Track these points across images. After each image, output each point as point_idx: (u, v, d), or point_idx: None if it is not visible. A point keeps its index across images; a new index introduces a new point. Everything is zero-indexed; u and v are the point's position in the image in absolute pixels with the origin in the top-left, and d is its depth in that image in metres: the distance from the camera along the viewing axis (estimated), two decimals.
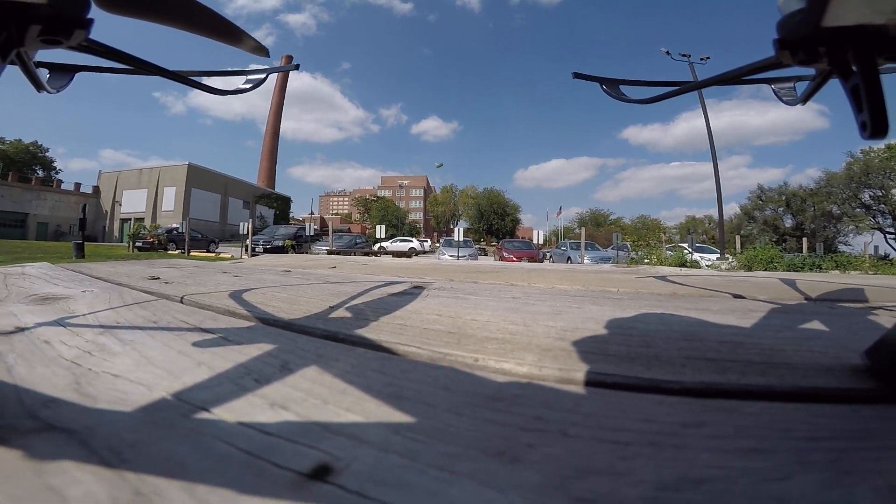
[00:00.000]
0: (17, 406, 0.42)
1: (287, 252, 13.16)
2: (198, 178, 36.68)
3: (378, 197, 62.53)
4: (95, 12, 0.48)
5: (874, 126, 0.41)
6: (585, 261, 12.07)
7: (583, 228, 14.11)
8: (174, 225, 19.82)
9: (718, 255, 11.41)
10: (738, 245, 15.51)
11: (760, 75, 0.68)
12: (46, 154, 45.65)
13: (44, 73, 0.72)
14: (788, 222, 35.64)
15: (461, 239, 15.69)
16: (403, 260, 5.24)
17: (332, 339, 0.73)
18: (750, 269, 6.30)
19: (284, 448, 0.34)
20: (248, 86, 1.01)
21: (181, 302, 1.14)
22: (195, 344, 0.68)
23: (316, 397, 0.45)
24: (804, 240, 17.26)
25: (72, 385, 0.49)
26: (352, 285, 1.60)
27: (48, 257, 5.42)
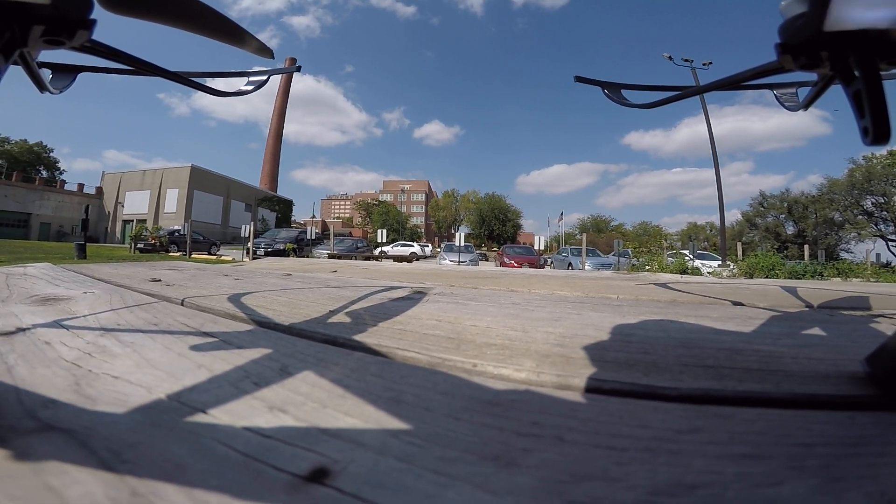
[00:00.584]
0: (17, 406, 0.42)
1: (288, 255, 13.18)
2: (200, 180, 36.81)
3: (380, 201, 62.64)
4: (98, 13, 0.48)
5: (876, 132, 0.40)
6: (587, 267, 12.06)
7: (584, 234, 14.10)
8: (176, 227, 19.87)
9: (720, 262, 11.40)
10: (739, 252, 15.49)
11: (762, 80, 0.67)
12: (51, 154, 45.92)
13: (46, 74, 0.72)
14: (790, 229, 35.60)
15: (462, 244, 15.69)
16: (404, 265, 5.24)
17: (331, 343, 0.73)
18: (751, 277, 6.29)
19: (282, 451, 0.34)
20: (249, 87, 1.01)
21: (182, 304, 1.14)
22: (195, 347, 0.68)
23: (314, 401, 0.46)
24: (806, 247, 17.23)
25: (72, 386, 0.49)
26: (352, 290, 1.61)
27: (50, 258, 5.43)
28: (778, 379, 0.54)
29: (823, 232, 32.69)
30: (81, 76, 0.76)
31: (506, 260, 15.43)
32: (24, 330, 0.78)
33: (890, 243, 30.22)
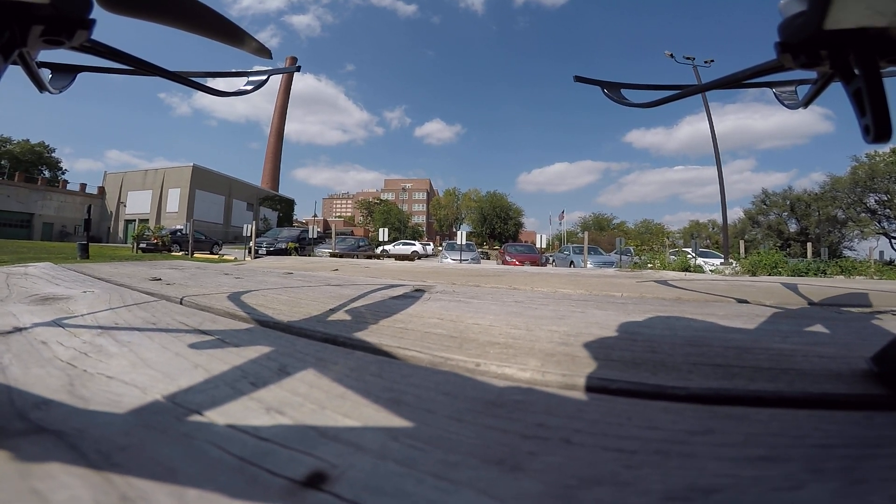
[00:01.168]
0: (8, 407, 0.41)
1: (290, 254, 13.19)
2: (202, 179, 36.84)
3: (381, 200, 62.56)
4: (97, 13, 0.48)
5: (877, 130, 0.40)
6: (589, 265, 12.02)
7: (586, 233, 14.04)
8: (178, 226, 19.89)
9: (722, 260, 11.36)
10: (742, 250, 15.43)
11: (762, 79, 0.67)
12: (53, 154, 46.02)
13: (46, 74, 0.72)
14: (793, 227, 35.48)
15: (464, 242, 15.67)
16: (406, 263, 5.23)
17: (331, 342, 0.72)
18: (754, 274, 6.26)
19: (279, 454, 0.33)
20: (249, 87, 1.01)
21: (181, 303, 1.13)
22: (192, 346, 0.67)
23: (313, 402, 0.44)
24: (809, 245, 17.13)
25: (65, 386, 0.48)
26: (353, 288, 1.59)
27: (52, 257, 5.44)
28: (790, 378, 0.52)
29: (826, 230, 32.56)
30: (81, 76, 0.76)
31: (507, 258, 15.39)
32: (21, 329, 0.77)
33: (893, 241, 30.09)
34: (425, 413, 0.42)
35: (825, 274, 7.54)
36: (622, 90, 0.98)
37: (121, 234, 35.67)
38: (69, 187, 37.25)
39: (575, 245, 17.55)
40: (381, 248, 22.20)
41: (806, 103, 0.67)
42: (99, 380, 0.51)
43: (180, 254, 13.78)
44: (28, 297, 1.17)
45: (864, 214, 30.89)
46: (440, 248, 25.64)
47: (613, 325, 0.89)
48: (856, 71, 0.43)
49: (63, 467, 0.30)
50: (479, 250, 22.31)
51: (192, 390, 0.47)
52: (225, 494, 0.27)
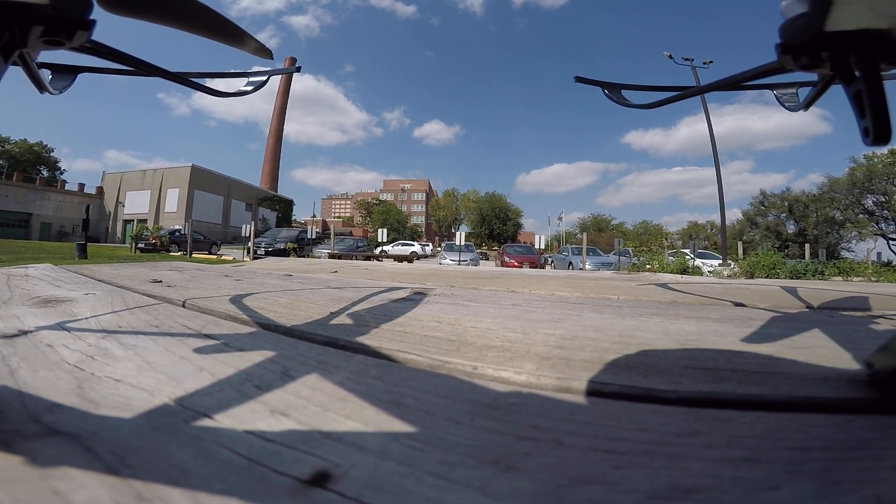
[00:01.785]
0: (21, 410, 0.43)
1: (289, 255, 13.18)
2: (201, 179, 36.79)
3: (380, 200, 62.54)
4: (97, 13, 0.48)
5: (877, 132, 0.40)
6: (587, 266, 12.05)
7: (584, 234, 14.04)
8: (177, 227, 19.86)
9: (720, 262, 11.39)
10: (740, 251, 15.46)
11: (762, 80, 0.67)
12: (51, 154, 45.86)
13: (46, 74, 0.72)
14: (791, 228, 35.54)
15: (463, 243, 15.69)
16: (405, 265, 5.25)
17: (332, 345, 0.73)
18: (752, 276, 6.29)
19: (284, 455, 0.35)
20: (249, 88, 1.01)
21: (183, 306, 1.14)
22: (197, 349, 0.69)
23: (316, 404, 0.46)
24: (807, 246, 17.20)
25: (75, 390, 0.49)
26: (353, 291, 1.61)
27: (51, 258, 5.44)
28: (777, 381, 0.54)
29: (824, 231, 32.65)
30: (81, 76, 0.76)
31: (506, 259, 15.40)
32: (26, 332, 0.78)
33: (891, 242, 30.18)
34: (424, 415, 0.44)
35: (823, 275, 7.57)
36: (622, 91, 0.98)
37: (119, 235, 35.58)
38: (67, 187, 37.14)
39: (574, 246, 17.56)
40: (379, 249, 22.19)
41: (807, 105, 0.67)
42: (107, 383, 0.52)
43: (179, 254, 13.76)
44: (30, 300, 1.18)
45: (861, 216, 30.97)
46: (439, 249, 25.66)
47: (608, 328, 0.91)
48: (856, 73, 0.43)
49: (80, 469, 0.32)
50: (478, 251, 22.31)
51: (198, 393, 0.49)
52: (235, 494, 0.29)
